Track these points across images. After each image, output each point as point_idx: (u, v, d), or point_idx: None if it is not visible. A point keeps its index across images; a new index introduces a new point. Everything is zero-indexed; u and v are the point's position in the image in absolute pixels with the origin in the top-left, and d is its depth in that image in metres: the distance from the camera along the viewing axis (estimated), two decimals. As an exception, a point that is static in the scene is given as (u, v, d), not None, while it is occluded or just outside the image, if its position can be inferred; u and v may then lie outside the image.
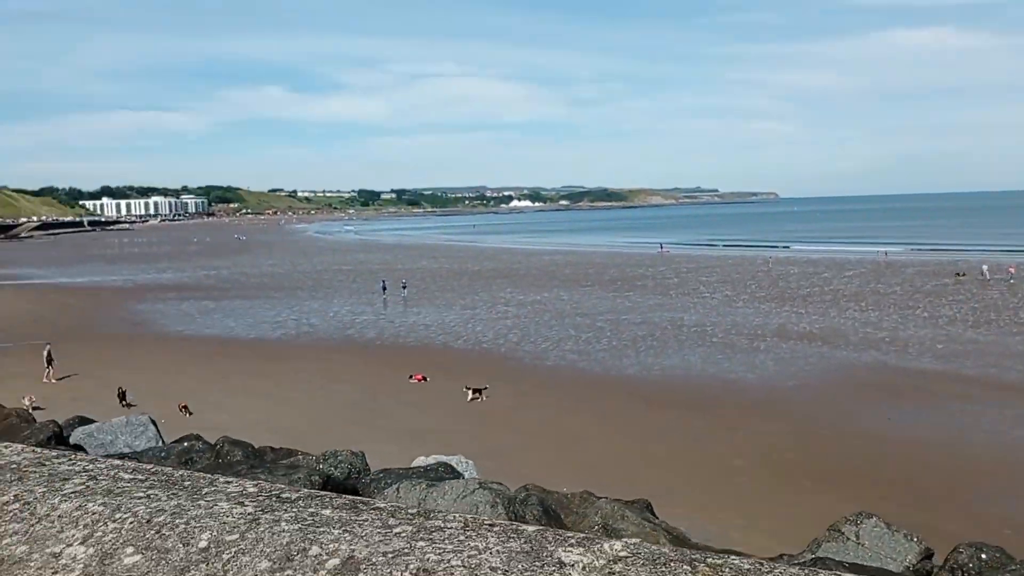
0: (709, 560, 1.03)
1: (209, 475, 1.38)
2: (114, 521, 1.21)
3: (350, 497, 1.27)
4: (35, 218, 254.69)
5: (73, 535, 1.18)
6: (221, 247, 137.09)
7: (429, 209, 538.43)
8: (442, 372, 29.74)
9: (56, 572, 1.14)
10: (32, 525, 1.24)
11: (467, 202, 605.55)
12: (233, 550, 1.09)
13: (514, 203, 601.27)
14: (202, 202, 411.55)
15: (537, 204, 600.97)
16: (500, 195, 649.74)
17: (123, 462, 1.49)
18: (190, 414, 22.41)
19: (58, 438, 8.21)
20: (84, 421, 9.70)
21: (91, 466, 1.46)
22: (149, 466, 1.46)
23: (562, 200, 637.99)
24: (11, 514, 1.28)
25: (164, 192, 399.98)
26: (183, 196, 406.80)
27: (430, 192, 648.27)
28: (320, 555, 1.04)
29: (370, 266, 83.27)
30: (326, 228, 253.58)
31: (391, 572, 0.98)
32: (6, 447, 1.63)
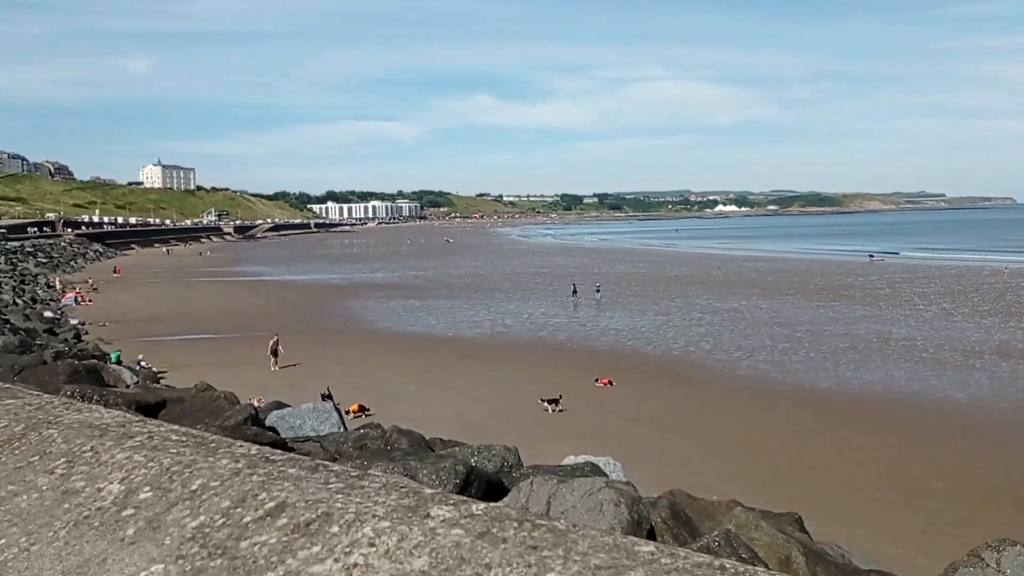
0: (536, 521, 1.26)
1: (230, 439, 1.78)
2: (145, 468, 1.63)
3: (320, 462, 1.61)
4: (269, 220, 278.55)
5: (115, 476, 1.61)
6: (430, 249, 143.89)
7: (631, 213, 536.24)
8: (630, 377, 29.86)
9: (95, 500, 1.55)
10: (94, 468, 1.69)
11: (670, 207, 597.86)
12: (211, 492, 1.46)
13: (719, 208, 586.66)
14: (415, 206, 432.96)
15: (744, 209, 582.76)
16: (705, 199, 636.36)
17: (178, 427, 1.92)
18: (367, 414, 23.82)
19: (253, 419, 9.21)
20: (280, 406, 10.78)
21: (155, 429, 1.90)
22: (195, 432, 1.88)
23: (770, 205, 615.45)
24: (84, 459, 1.73)
25: (381, 196, 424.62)
26: (398, 200, 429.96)
27: (633, 196, 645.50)
28: (264, 499, 1.39)
29: (567, 269, 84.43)
30: (528, 231, 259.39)
31: (304, 512, 1.31)
32: (108, 412, 2.12)
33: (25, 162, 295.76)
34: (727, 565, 1.24)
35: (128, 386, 13.39)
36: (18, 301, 45.24)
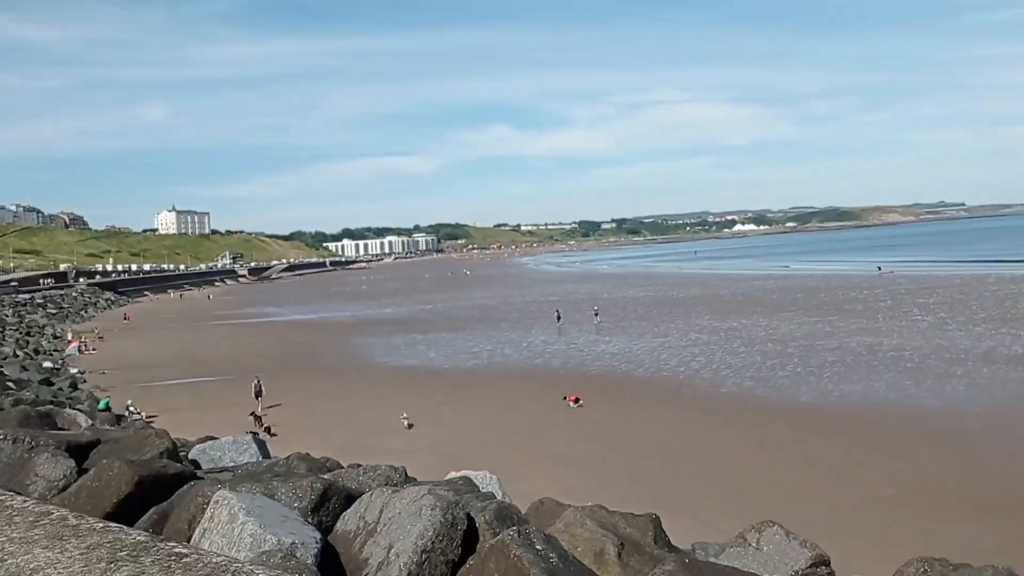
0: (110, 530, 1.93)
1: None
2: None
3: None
4: (284, 260, 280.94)
5: None
6: (444, 282, 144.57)
7: (649, 237, 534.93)
8: (613, 399, 30.33)
9: None
10: None
11: (689, 229, 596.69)
12: None
13: (737, 227, 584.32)
14: (432, 239, 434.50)
15: (762, 227, 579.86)
16: (723, 220, 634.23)
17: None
18: (268, 432, 25.13)
19: (170, 453, 9.88)
20: (211, 439, 11.44)
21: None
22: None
23: (789, 222, 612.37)
24: None
25: (398, 232, 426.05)
26: (415, 235, 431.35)
27: (651, 220, 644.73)
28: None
29: (576, 296, 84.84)
30: (545, 260, 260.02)
31: None
32: None
33: (40, 214, 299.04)
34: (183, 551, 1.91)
35: (82, 429, 14.05)
36: (19, 353, 46.24)
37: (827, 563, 5.57)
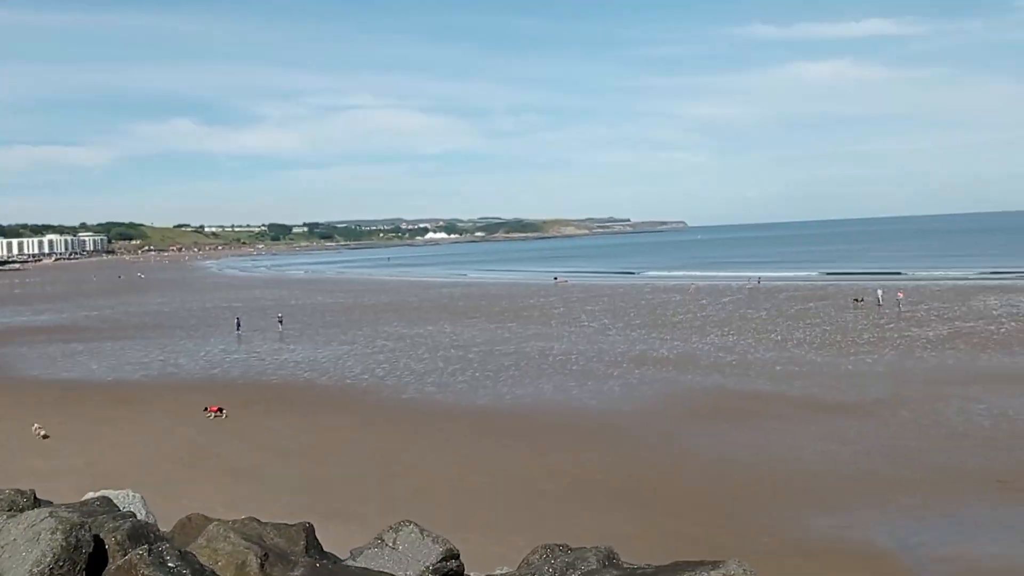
0: None
1: None
2: None
3: None
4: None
5: None
6: (114, 286, 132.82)
7: (343, 242, 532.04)
8: (293, 409, 29.81)
9: None
10: None
11: (382, 235, 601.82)
12: None
13: (430, 235, 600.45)
14: (101, 239, 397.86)
15: (453, 236, 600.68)
16: (416, 227, 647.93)
17: None
18: None
19: None
20: None
21: None
22: None
23: (478, 232, 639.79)
24: None
25: (60, 230, 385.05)
26: (80, 233, 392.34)
27: (344, 225, 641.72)
28: None
29: (263, 303, 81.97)
30: (230, 264, 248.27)
31: None
32: None
33: None
34: None
35: None
36: None
37: (456, 556, 5.91)
